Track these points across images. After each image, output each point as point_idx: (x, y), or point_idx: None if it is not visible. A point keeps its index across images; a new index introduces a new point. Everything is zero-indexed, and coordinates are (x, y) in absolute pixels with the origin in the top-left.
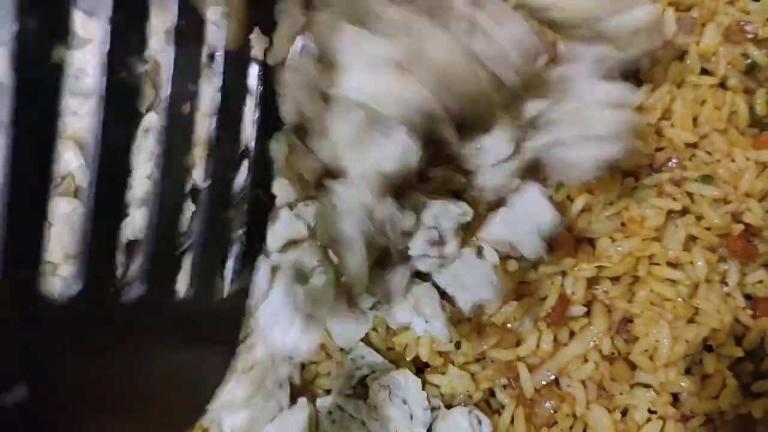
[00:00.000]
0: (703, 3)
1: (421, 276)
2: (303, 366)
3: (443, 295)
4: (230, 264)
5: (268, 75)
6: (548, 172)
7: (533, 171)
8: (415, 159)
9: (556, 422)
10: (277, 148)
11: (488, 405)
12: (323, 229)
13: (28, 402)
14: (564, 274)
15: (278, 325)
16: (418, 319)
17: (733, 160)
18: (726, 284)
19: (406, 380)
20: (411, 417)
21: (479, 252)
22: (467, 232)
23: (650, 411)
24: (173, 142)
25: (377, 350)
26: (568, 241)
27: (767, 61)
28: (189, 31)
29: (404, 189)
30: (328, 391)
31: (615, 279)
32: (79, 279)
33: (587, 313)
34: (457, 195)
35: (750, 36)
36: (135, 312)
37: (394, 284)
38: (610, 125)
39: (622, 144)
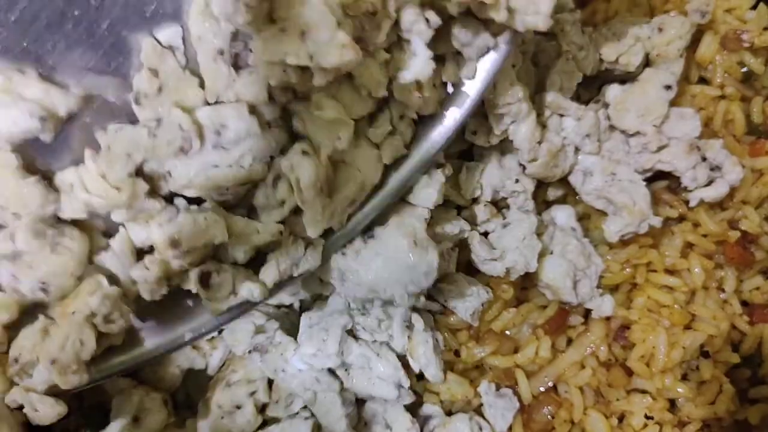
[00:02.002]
0: None
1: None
2: None
3: (443, 307)
4: None
5: None
6: None
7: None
8: None
9: (553, 428)
10: None
11: None
12: None
13: None
14: None
15: None
16: (413, 361)
17: None
18: (723, 291)
19: (385, 408)
20: None
21: None
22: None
23: (647, 417)
24: None
25: None
26: None
27: (764, 69)
28: None
29: None
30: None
31: (614, 288)
32: None
33: (585, 320)
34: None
35: (746, 44)
36: None
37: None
38: None
39: None
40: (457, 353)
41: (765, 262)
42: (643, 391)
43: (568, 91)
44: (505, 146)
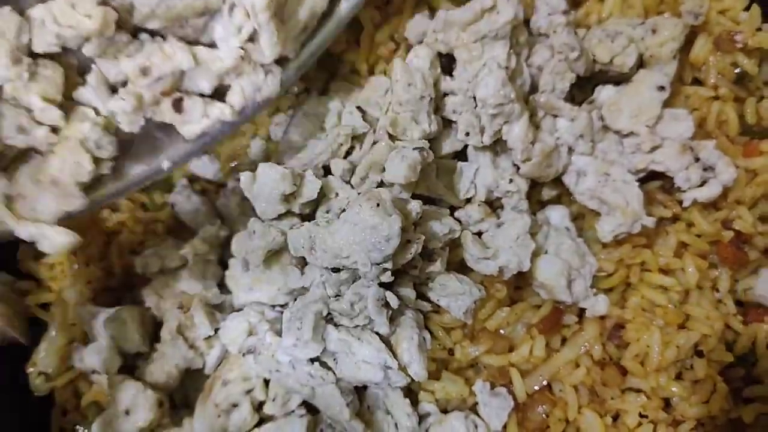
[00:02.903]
0: None
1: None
2: None
3: (437, 306)
4: None
5: None
6: None
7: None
8: None
9: (548, 426)
10: None
11: None
12: None
13: None
14: None
15: None
16: (398, 356)
17: None
18: (717, 290)
19: (386, 392)
20: (396, 426)
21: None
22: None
23: (641, 415)
24: None
25: None
26: None
27: (757, 70)
28: None
29: None
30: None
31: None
32: None
33: (579, 319)
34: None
35: (740, 45)
36: None
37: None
38: None
39: None
40: (451, 352)
41: (759, 261)
42: (638, 390)
43: (561, 92)
44: (498, 146)
